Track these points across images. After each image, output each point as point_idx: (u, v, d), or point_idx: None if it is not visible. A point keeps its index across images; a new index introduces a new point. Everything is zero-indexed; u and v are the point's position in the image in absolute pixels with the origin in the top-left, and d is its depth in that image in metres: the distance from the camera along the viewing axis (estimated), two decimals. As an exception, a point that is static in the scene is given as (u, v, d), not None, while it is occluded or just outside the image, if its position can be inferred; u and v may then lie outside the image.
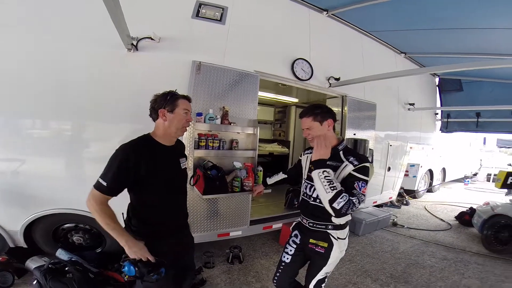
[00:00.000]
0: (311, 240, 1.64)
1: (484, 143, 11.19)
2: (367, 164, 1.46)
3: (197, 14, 2.60)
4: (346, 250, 1.67)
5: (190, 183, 2.36)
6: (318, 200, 1.56)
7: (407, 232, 4.36)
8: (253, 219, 3.12)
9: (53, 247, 2.52)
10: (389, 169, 4.92)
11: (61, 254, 2.39)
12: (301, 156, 1.86)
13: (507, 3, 2.73)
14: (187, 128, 1.53)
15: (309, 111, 1.57)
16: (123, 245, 1.29)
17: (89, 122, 2.36)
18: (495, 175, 6.93)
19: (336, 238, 1.58)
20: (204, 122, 2.54)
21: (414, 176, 6.44)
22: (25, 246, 2.45)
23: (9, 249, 2.45)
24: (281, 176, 2.12)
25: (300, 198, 1.76)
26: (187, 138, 2.47)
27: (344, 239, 1.63)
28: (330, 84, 3.60)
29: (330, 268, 1.63)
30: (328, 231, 1.59)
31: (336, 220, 1.57)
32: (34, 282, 2.04)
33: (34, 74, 2.18)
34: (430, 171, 7.24)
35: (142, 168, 1.32)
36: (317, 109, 1.57)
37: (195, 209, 2.63)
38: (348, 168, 1.46)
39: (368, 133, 4.21)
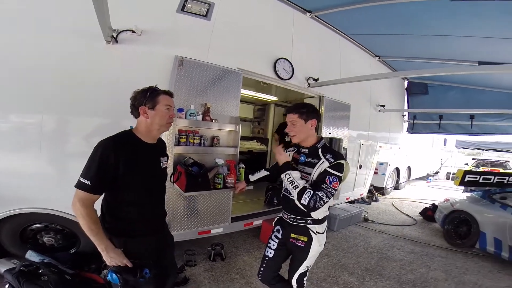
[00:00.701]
0: (292, 235, 1.71)
1: (445, 144, 12.16)
2: (342, 161, 1.55)
3: (182, 8, 2.54)
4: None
5: (170, 181, 2.33)
6: None
7: (377, 227, 4.63)
8: (234, 216, 3.12)
9: (21, 248, 2.36)
10: (360, 167, 5.17)
11: (32, 256, 2.23)
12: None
13: (467, 14, 2.99)
14: (170, 124, 1.51)
15: (296, 108, 1.66)
16: (101, 251, 1.27)
17: (58, 116, 2.21)
18: (454, 173, 7.55)
19: (315, 232, 1.66)
20: (185, 118, 2.50)
21: (383, 174, 6.86)
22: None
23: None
24: (263, 173, 2.16)
25: (282, 194, 1.81)
26: (166, 135, 2.40)
27: (323, 233, 1.71)
28: (309, 84, 3.70)
29: (311, 261, 1.71)
30: (307, 225, 1.67)
31: (314, 215, 1.64)
32: (7, 285, 1.90)
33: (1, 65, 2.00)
34: (397, 169, 7.75)
35: (122, 165, 1.29)
36: (304, 107, 1.66)
37: (174, 207, 2.59)
38: (324, 165, 1.55)
39: (342, 132, 4.39)
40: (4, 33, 1.98)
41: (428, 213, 5.28)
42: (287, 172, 1.58)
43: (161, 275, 1.73)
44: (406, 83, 6.56)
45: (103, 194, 1.38)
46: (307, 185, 1.52)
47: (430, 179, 10.57)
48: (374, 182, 6.64)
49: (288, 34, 3.49)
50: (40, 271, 1.98)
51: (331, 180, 1.49)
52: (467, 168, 9.33)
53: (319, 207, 1.47)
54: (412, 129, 6.88)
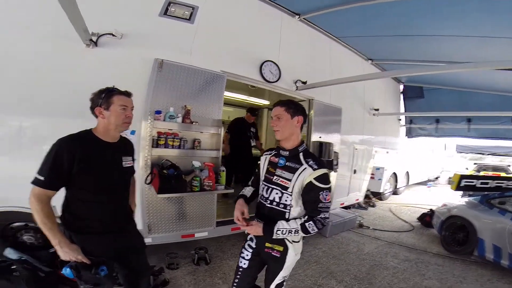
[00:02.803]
0: (266, 244, 1.58)
1: (445, 148, 11.97)
2: (326, 171, 1.47)
3: (165, 12, 2.56)
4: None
5: (145, 182, 2.34)
6: (274, 203, 1.54)
7: (372, 233, 4.51)
8: (220, 220, 3.07)
9: (2, 246, 2.33)
10: (355, 171, 5.09)
11: (10, 254, 2.24)
12: (259, 161, 1.79)
13: (453, 15, 2.97)
14: (128, 124, 1.51)
15: (284, 102, 1.57)
16: (55, 245, 1.29)
17: (36, 118, 2.24)
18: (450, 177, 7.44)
19: (291, 241, 1.56)
20: (164, 120, 2.49)
21: (380, 179, 6.72)
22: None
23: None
24: (251, 189, 1.87)
25: (258, 200, 1.71)
26: (143, 136, 2.42)
27: (299, 242, 1.60)
28: (297, 87, 3.68)
29: (287, 271, 1.61)
30: None
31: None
32: None
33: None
34: (395, 174, 7.61)
35: (76, 162, 1.33)
36: (292, 103, 1.58)
37: (156, 210, 2.58)
38: (307, 172, 1.45)
39: (333, 136, 4.33)
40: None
41: (426, 219, 5.14)
42: (277, 229, 1.44)
43: (132, 278, 1.70)
44: (401, 87, 6.51)
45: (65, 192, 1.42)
46: (302, 220, 1.45)
47: (430, 184, 10.37)
48: (371, 187, 6.54)
49: (275, 37, 3.49)
50: (13, 267, 2.02)
51: (325, 196, 1.44)
52: (467, 172, 9.14)
53: (326, 224, 1.46)
54: (409, 133, 6.80)
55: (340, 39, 4.36)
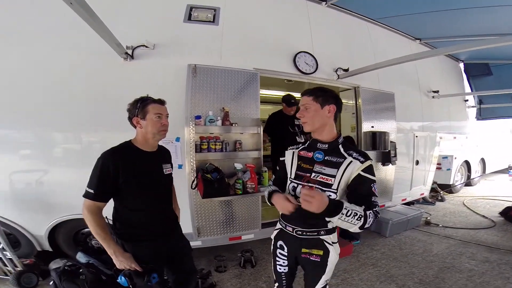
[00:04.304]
0: (303, 250, 1.43)
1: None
2: (372, 162, 1.34)
3: (189, 18, 2.64)
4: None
5: (191, 187, 2.40)
6: None
7: (442, 232, 3.97)
8: (265, 222, 3.03)
9: (75, 250, 2.63)
10: (417, 162, 4.56)
11: (81, 257, 2.48)
12: (282, 158, 1.58)
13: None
14: (164, 132, 1.52)
15: (312, 91, 1.39)
16: (111, 255, 1.35)
17: (101, 133, 2.50)
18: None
19: (331, 243, 1.41)
20: (204, 124, 2.53)
21: (448, 169, 5.88)
22: (50, 249, 2.65)
23: (37, 252, 2.66)
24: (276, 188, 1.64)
25: None
26: (187, 142, 2.49)
27: (337, 242, 1.46)
28: (338, 75, 3.45)
29: (329, 275, 1.46)
30: (321, 237, 1.41)
31: (330, 224, 1.40)
32: (51, 282, 2.14)
33: (42, 88, 2.37)
34: (467, 163, 6.59)
35: (120, 173, 1.37)
36: (321, 91, 1.38)
37: (204, 213, 2.64)
38: (355, 165, 1.30)
39: (388, 124, 3.95)
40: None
41: (511, 213, 4.37)
42: (344, 207, 1.18)
43: (180, 281, 1.75)
44: (461, 65, 5.71)
45: (114, 202, 1.48)
46: (363, 208, 1.25)
47: (513, 171, 8.74)
48: (438, 179, 5.78)
49: (304, 27, 3.33)
50: (81, 270, 2.19)
51: (375, 188, 1.31)
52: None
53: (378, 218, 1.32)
54: (480, 115, 5.87)
55: (379, 21, 4.00)
